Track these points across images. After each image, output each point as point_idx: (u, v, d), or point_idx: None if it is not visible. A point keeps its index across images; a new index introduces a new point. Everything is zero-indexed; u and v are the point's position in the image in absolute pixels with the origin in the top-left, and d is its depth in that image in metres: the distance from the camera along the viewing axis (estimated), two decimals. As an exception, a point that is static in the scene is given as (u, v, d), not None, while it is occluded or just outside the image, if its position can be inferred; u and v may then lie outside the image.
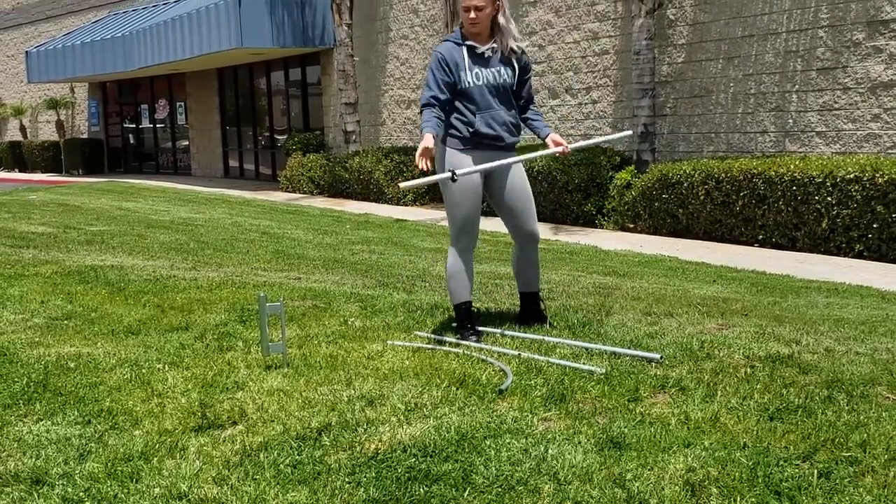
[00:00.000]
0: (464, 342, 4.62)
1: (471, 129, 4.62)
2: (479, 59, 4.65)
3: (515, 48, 4.70)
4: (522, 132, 4.86)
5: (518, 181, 4.76)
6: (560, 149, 4.74)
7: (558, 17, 14.87)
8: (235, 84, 24.95)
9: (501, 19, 4.65)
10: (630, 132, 5.42)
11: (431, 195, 16.60)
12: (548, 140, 4.79)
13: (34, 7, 33.07)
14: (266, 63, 23.24)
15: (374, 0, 19.07)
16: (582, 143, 5.07)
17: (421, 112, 4.60)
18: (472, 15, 4.56)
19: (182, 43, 21.08)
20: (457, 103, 4.64)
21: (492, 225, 13.14)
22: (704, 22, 12.60)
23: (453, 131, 4.66)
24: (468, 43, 4.66)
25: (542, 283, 6.89)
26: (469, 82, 4.61)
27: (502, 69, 4.68)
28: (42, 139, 31.88)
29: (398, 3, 18.53)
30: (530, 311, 5.02)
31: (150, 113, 28.92)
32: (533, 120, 4.88)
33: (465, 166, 4.61)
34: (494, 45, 4.67)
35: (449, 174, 4.46)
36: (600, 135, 14.22)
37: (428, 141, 4.40)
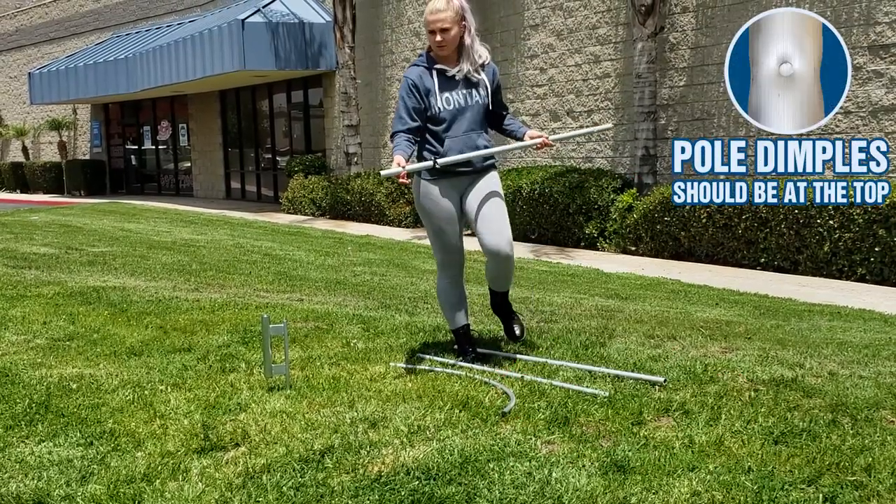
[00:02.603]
0: (466, 364, 4.60)
1: (441, 157, 4.47)
2: (449, 83, 4.54)
3: (480, 67, 4.57)
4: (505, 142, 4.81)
5: (489, 197, 4.60)
6: (538, 140, 4.64)
7: (560, 40, 14.93)
8: (238, 106, 25.03)
9: (467, 39, 4.51)
10: (612, 125, 5.33)
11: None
12: (525, 136, 4.69)
13: (37, 29, 33.23)
14: (268, 85, 23.32)
15: (377, 23, 19.16)
16: (563, 134, 4.99)
17: (392, 138, 4.51)
18: (439, 38, 4.45)
19: (185, 65, 21.17)
20: (428, 129, 4.53)
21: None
22: (706, 45, 12.65)
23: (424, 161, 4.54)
24: (437, 66, 4.54)
25: (542, 304, 6.87)
26: (440, 108, 4.50)
27: (474, 91, 4.57)
28: (44, 160, 31.95)
29: (400, 27, 18.62)
30: (501, 312, 4.96)
31: (153, 134, 29.00)
32: (508, 125, 4.79)
33: (435, 196, 4.56)
34: (464, 66, 4.54)
35: (430, 163, 4.42)
36: (602, 157, 14.25)
37: (398, 161, 4.30)
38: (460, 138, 4.53)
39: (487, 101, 4.63)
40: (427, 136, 4.55)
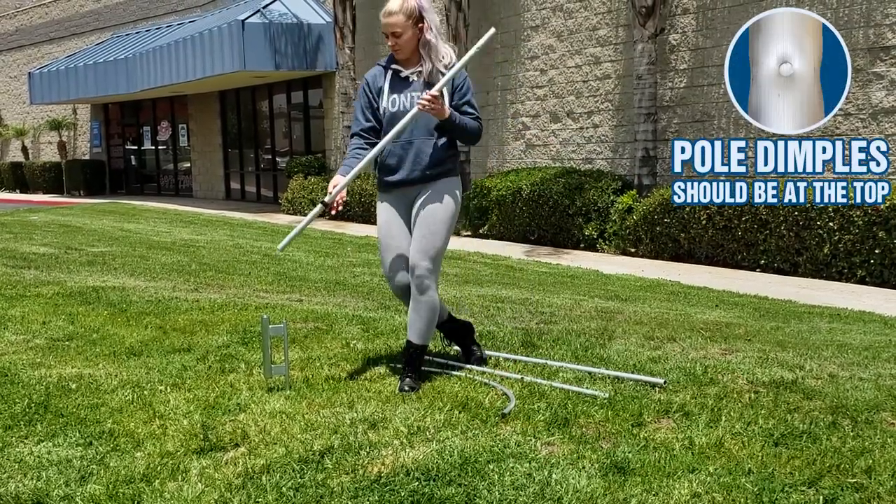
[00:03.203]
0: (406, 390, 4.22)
1: (381, 163, 4.30)
2: (401, 84, 4.30)
3: (442, 69, 4.27)
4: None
5: (428, 207, 4.27)
6: (424, 101, 4.11)
7: (560, 41, 14.93)
8: (237, 106, 25.03)
9: (431, 38, 4.24)
10: (493, 30, 4.72)
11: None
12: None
13: (37, 29, 33.24)
14: (268, 86, 23.32)
15: (376, 24, 19.14)
16: (447, 74, 4.28)
17: (349, 142, 4.39)
18: (391, 42, 4.25)
19: (185, 65, 21.17)
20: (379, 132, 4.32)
21: (493, 248, 13.15)
22: (706, 47, 12.65)
23: (376, 172, 4.38)
24: (393, 66, 4.34)
25: (541, 305, 6.86)
26: (384, 109, 4.29)
27: (425, 95, 4.21)
28: (44, 160, 31.95)
29: (400, 27, 18.60)
30: (407, 366, 4.34)
31: (152, 135, 29.01)
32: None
33: (380, 209, 4.37)
34: (420, 68, 4.28)
35: (320, 206, 4.23)
36: (602, 159, 14.25)
37: (336, 181, 4.22)
38: (400, 144, 4.27)
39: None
40: (377, 138, 4.33)
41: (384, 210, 4.40)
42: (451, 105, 4.25)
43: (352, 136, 4.39)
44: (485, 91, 16.34)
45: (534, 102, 15.48)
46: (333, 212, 4.26)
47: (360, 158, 4.27)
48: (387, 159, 4.31)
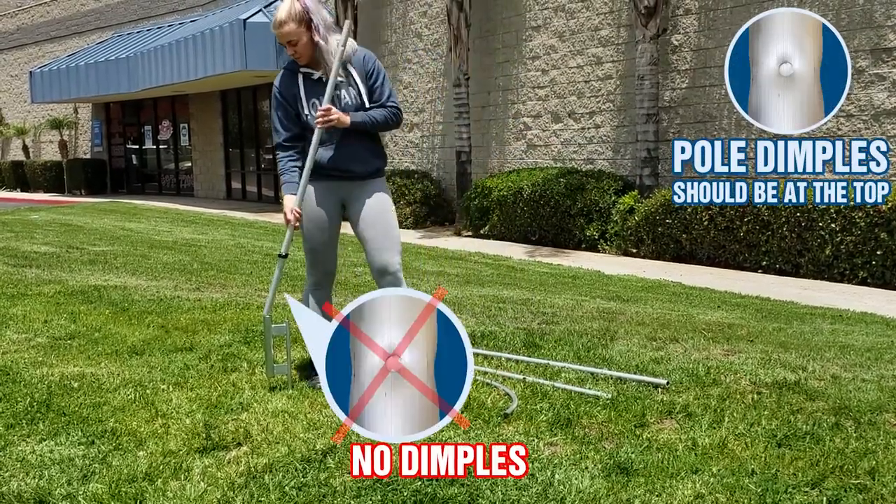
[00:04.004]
0: (312, 383, 4.27)
1: (318, 167, 4.26)
2: (316, 86, 4.24)
3: (351, 57, 4.22)
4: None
5: (373, 210, 4.30)
6: (319, 119, 4.15)
7: (562, 41, 14.93)
8: (239, 106, 25.02)
9: (319, 39, 4.17)
10: (349, 22, 4.64)
11: (433, 218, 16.62)
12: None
13: (38, 28, 33.23)
14: (270, 85, 23.24)
15: (378, 24, 19.16)
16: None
17: (276, 154, 4.36)
18: (290, 51, 4.18)
19: (186, 65, 21.16)
20: (306, 138, 4.29)
21: (494, 248, 13.15)
22: (708, 48, 12.64)
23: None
24: (303, 70, 4.26)
25: (543, 306, 6.86)
26: (306, 115, 4.25)
27: (343, 92, 4.23)
28: (45, 159, 31.94)
29: (402, 28, 18.62)
30: None
31: (153, 134, 28.99)
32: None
33: (311, 198, 4.30)
34: (327, 66, 4.21)
35: (289, 231, 4.28)
36: (603, 159, 14.24)
37: (288, 203, 4.23)
38: (333, 145, 4.24)
39: (362, 100, 4.27)
40: (305, 144, 4.29)
41: (314, 199, 4.31)
42: (366, 94, 4.24)
43: (277, 148, 4.34)
44: (486, 91, 16.33)
45: (535, 102, 15.47)
46: (296, 228, 4.27)
47: (297, 172, 4.27)
48: (320, 161, 4.27)
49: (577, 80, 14.72)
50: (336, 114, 4.14)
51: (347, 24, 4.37)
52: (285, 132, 4.29)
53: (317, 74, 4.25)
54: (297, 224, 4.25)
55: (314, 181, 4.30)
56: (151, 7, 28.11)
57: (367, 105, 4.27)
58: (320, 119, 4.13)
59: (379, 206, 4.32)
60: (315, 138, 4.21)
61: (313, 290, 4.52)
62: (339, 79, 4.23)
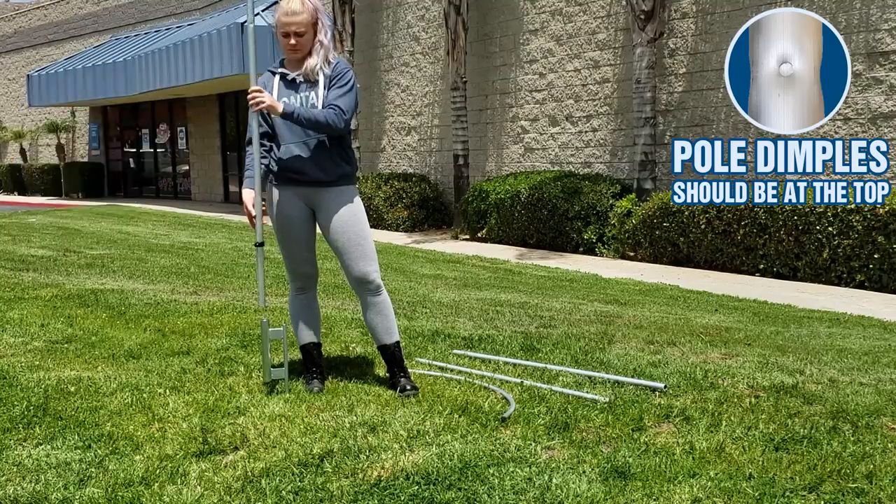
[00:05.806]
0: (307, 387, 4.32)
1: (276, 164, 4.30)
2: (290, 86, 4.26)
3: (327, 68, 4.24)
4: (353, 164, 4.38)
5: (341, 219, 4.26)
6: (250, 101, 4.20)
7: (559, 45, 14.94)
8: (236, 109, 25.02)
9: (325, 39, 4.23)
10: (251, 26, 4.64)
11: (431, 221, 16.63)
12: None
13: (36, 31, 33.24)
14: (267, 89, 23.29)
15: (376, 27, 19.17)
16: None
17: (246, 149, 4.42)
18: (293, 41, 4.17)
19: (184, 68, 21.16)
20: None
21: (491, 252, 13.14)
22: (705, 52, 12.65)
23: (270, 167, 4.36)
24: (280, 70, 4.30)
25: (540, 309, 6.86)
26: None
27: (311, 94, 4.22)
28: (42, 162, 31.94)
29: (399, 31, 18.63)
30: (396, 368, 4.38)
31: (151, 137, 28.99)
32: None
33: (278, 202, 4.33)
34: (310, 63, 4.22)
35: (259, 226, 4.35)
36: (601, 163, 14.25)
37: (245, 197, 4.30)
38: (293, 145, 4.26)
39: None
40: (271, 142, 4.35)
41: (281, 203, 4.33)
42: (325, 95, 4.21)
43: (248, 144, 4.38)
44: (483, 95, 16.34)
45: (532, 106, 15.48)
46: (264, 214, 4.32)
47: (260, 168, 4.31)
48: (280, 159, 4.30)
49: (574, 84, 14.73)
50: (266, 96, 4.16)
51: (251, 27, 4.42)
52: (255, 130, 4.33)
53: (291, 75, 4.28)
54: (262, 211, 4.28)
55: (279, 185, 4.34)
56: (149, 11, 28.12)
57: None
58: (250, 99, 4.16)
59: (348, 215, 4.27)
60: (252, 123, 4.28)
61: (297, 295, 4.52)
62: (315, 77, 4.23)
